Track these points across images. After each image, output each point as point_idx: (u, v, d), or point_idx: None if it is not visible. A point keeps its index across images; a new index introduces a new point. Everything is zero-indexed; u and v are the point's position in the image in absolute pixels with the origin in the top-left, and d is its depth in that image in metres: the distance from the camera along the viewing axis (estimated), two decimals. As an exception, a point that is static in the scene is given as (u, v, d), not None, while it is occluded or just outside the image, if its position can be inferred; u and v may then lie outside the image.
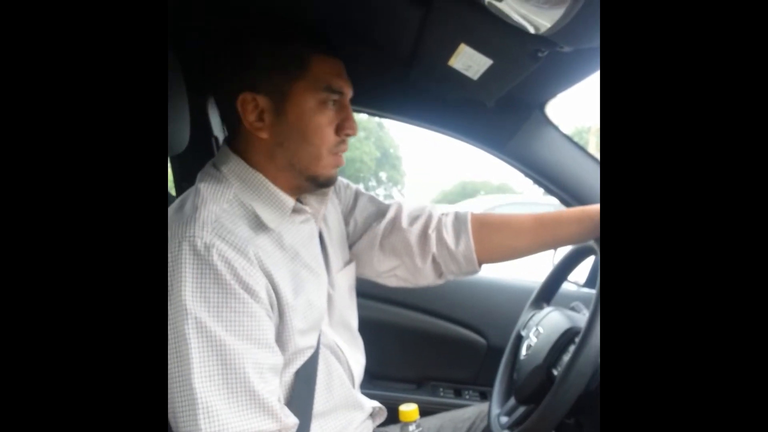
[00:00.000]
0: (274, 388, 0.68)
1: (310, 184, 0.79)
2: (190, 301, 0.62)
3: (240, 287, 0.65)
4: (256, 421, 0.65)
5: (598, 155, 1.25)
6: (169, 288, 0.63)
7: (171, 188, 1.35)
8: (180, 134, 0.94)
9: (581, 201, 1.27)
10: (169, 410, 0.63)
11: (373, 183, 23.77)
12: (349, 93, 0.79)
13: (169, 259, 0.64)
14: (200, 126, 1.27)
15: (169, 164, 1.38)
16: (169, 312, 0.63)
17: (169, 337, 0.62)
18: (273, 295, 0.70)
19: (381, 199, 1.01)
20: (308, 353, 0.77)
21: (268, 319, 0.69)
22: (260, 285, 0.68)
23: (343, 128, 0.78)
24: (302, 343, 0.74)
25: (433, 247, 0.94)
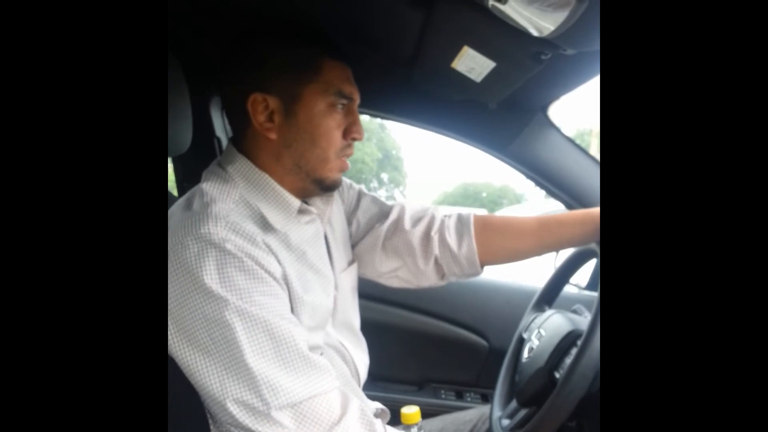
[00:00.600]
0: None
1: (315, 186, 0.79)
2: (221, 290, 0.62)
3: (263, 271, 0.66)
4: (318, 382, 0.65)
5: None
6: (190, 285, 0.63)
7: (172, 188, 1.35)
8: (182, 135, 0.94)
9: (584, 203, 1.27)
10: (220, 398, 0.62)
11: (374, 184, 23.83)
12: (357, 99, 0.80)
13: (184, 258, 0.64)
14: (202, 126, 1.27)
15: (170, 164, 1.39)
16: (195, 308, 0.62)
17: (206, 330, 0.62)
18: (287, 284, 0.71)
19: (383, 200, 1.01)
20: (315, 353, 0.77)
21: (288, 302, 0.70)
22: (278, 272, 0.69)
23: (351, 132, 0.79)
24: (310, 341, 0.74)
25: (436, 248, 0.94)
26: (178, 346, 0.63)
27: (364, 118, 0.81)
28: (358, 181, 1.03)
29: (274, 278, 0.68)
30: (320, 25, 0.79)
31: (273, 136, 0.75)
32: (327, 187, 0.80)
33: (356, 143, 0.82)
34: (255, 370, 0.62)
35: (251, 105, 0.74)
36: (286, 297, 0.70)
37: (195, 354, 0.63)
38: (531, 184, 1.35)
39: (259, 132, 0.76)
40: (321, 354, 0.79)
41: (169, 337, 0.63)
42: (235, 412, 0.62)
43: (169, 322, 0.63)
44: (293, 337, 0.65)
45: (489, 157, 1.33)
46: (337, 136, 0.77)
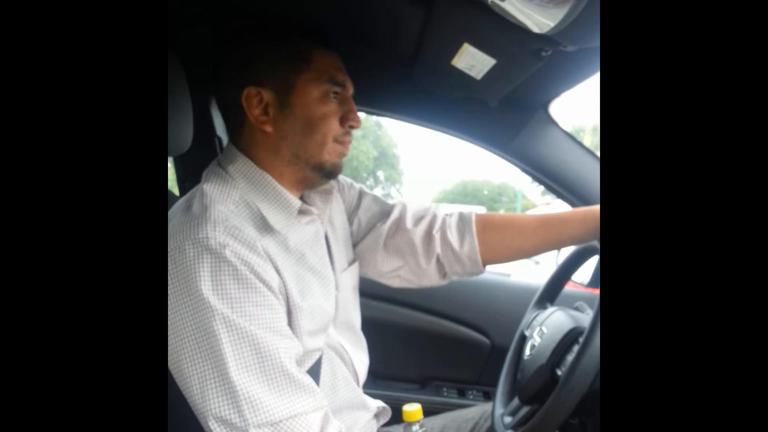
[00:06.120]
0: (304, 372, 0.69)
1: (316, 174, 0.79)
2: (212, 299, 0.62)
3: (258, 280, 0.66)
4: (300, 403, 0.65)
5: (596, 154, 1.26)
6: (184, 290, 0.63)
7: (173, 187, 1.35)
8: (183, 134, 0.94)
9: (585, 201, 1.27)
10: (201, 408, 0.62)
11: (371, 182, 23.76)
12: (350, 87, 0.80)
13: (181, 262, 0.64)
14: (203, 126, 1.27)
15: (172, 164, 1.38)
16: (186, 314, 0.62)
17: (193, 337, 0.62)
18: (284, 293, 0.71)
19: (384, 199, 1.01)
20: (315, 356, 0.77)
21: (285, 313, 0.70)
22: (275, 281, 0.68)
23: (347, 120, 0.78)
24: (310, 345, 0.74)
25: (438, 247, 0.94)
26: (168, 349, 0.63)
27: (360, 116, 0.81)
28: (354, 179, 1.03)
29: (270, 288, 0.67)
30: (311, 20, 0.79)
31: (269, 128, 0.75)
32: (328, 173, 0.80)
33: (351, 142, 0.82)
34: (237, 385, 0.61)
35: (245, 99, 0.74)
36: (282, 307, 0.69)
37: (181, 359, 0.63)
38: (530, 180, 1.34)
39: (255, 126, 0.76)
40: (321, 355, 0.79)
41: None
42: (213, 427, 0.62)
43: None
44: (279, 353, 0.64)
45: (488, 155, 1.33)
46: (334, 121, 0.77)
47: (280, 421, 0.63)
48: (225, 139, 1.35)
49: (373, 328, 1.01)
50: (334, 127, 0.77)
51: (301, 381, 0.66)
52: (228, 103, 0.78)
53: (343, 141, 0.79)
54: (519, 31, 0.69)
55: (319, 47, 0.77)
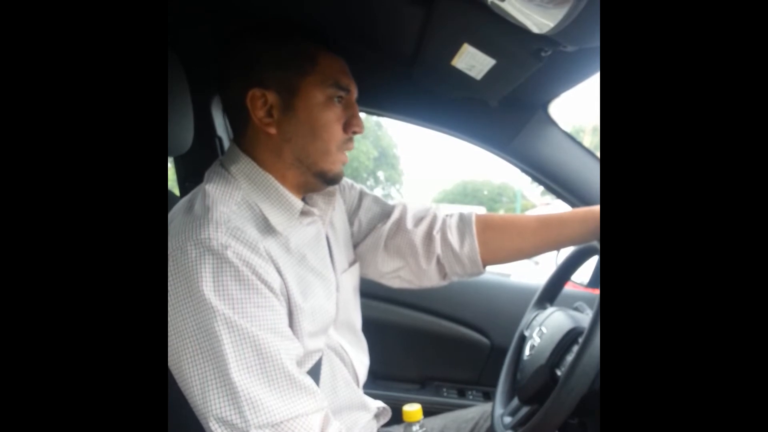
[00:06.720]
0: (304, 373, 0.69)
1: (317, 180, 0.79)
2: (214, 300, 0.62)
3: (259, 282, 0.66)
4: (300, 404, 0.65)
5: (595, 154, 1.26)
6: (185, 291, 0.63)
7: (174, 187, 1.35)
8: (183, 134, 0.94)
9: (585, 201, 1.27)
10: (202, 409, 0.62)
11: (371, 183, 23.73)
12: (354, 92, 0.80)
13: (183, 262, 0.63)
14: (203, 126, 1.27)
15: (172, 164, 1.39)
16: (187, 315, 0.62)
17: (195, 338, 0.62)
18: (285, 294, 0.71)
19: (384, 199, 1.01)
20: (316, 357, 0.77)
21: (286, 314, 0.70)
22: (276, 282, 0.68)
23: (351, 125, 0.79)
24: (311, 346, 0.74)
25: (438, 248, 0.94)
26: (169, 349, 0.63)
27: (360, 116, 0.81)
28: (354, 180, 1.03)
29: (271, 289, 0.67)
30: (311, 21, 0.79)
31: (272, 131, 0.75)
32: (329, 180, 0.80)
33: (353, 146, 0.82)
34: (238, 385, 0.61)
35: (250, 101, 0.74)
36: (283, 309, 0.69)
37: (182, 360, 0.63)
38: (530, 180, 1.34)
39: (258, 128, 0.76)
40: (321, 356, 0.79)
41: None
42: (214, 428, 0.61)
43: None
44: (280, 354, 0.64)
45: (488, 155, 1.33)
46: (337, 129, 0.77)
47: (281, 422, 0.63)
48: (225, 140, 1.36)
49: (373, 329, 1.01)
50: (336, 134, 0.77)
51: (302, 382, 0.66)
52: (232, 104, 0.78)
53: (345, 148, 0.80)
54: (519, 31, 0.69)
55: (324, 50, 0.77)
